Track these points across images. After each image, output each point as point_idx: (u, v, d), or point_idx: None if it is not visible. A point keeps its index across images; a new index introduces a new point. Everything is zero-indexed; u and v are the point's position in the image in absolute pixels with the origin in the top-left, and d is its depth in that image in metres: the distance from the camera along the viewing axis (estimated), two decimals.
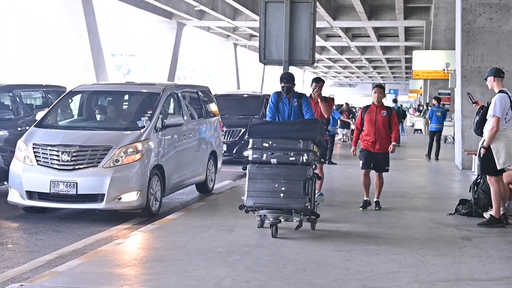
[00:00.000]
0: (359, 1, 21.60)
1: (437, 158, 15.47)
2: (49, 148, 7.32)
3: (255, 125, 6.28)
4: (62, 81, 16.43)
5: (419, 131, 29.28)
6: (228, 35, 35.04)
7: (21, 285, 4.59)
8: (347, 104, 22.45)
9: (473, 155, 11.48)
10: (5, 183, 8.41)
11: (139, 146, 7.45)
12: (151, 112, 8.07)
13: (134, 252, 5.67)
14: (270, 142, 6.06)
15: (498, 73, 6.90)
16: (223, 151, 10.69)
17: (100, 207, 7.23)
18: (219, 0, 24.55)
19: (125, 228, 7.08)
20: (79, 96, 8.85)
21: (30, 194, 7.32)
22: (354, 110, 24.53)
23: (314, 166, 6.10)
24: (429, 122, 16.38)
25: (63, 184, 7.12)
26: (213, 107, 10.27)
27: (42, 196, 7.27)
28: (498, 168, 6.75)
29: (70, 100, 8.90)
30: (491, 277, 4.94)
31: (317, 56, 37.41)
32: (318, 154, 6.24)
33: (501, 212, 6.88)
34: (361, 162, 7.84)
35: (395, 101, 24.11)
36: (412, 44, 33.83)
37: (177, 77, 33.84)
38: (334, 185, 10.27)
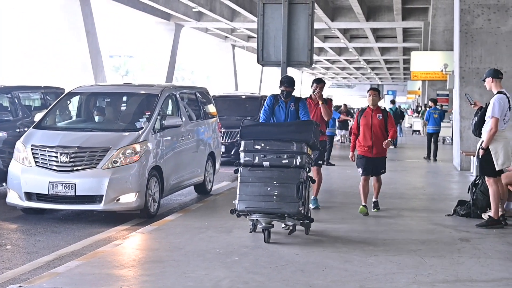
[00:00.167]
0: (357, 2, 21.62)
1: (435, 159, 15.49)
2: (47, 149, 7.32)
3: (247, 127, 6.10)
4: (62, 81, 16.45)
5: (417, 132, 29.32)
6: (226, 36, 35.05)
7: (20, 286, 4.60)
8: (345, 105, 22.48)
9: (472, 156, 11.49)
10: (4, 184, 8.41)
11: (138, 147, 7.45)
12: (149, 113, 8.07)
13: (133, 253, 5.67)
14: (263, 145, 5.90)
15: (496, 74, 6.90)
16: (221, 152, 10.70)
17: (99, 208, 7.24)
18: (217, 1, 24.55)
19: (124, 229, 7.08)
20: (77, 98, 8.85)
21: (29, 196, 7.32)
22: (352, 111, 24.55)
23: (307, 169, 5.95)
24: (427, 124, 16.37)
25: (62, 185, 7.12)
26: (211, 108, 10.28)
27: (40, 197, 7.27)
28: (497, 169, 6.76)
29: (68, 102, 8.90)
30: (490, 278, 4.95)
31: (315, 57, 37.40)
32: (312, 156, 6.10)
33: (500, 213, 6.88)
34: (359, 169, 7.67)
35: (393, 102, 24.11)
36: (410, 45, 33.89)
37: (175, 78, 33.80)
38: (333, 186, 10.28)
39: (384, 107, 33.93)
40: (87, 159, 7.23)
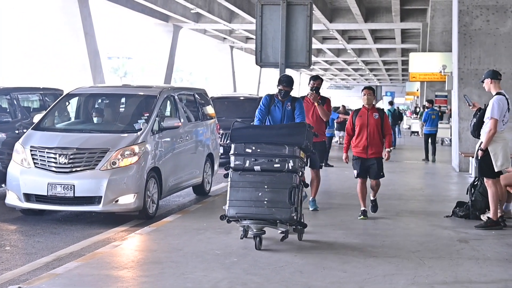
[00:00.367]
0: (355, 4, 21.63)
1: (434, 160, 15.49)
2: (46, 150, 7.32)
3: (237, 129, 5.84)
4: (61, 81, 16.44)
5: (415, 133, 29.34)
6: (225, 38, 35.06)
7: (19, 287, 4.60)
8: (343, 106, 22.48)
9: (470, 157, 11.49)
10: (3, 185, 8.41)
11: (136, 148, 7.45)
12: (148, 114, 8.07)
13: (132, 254, 5.67)
14: (254, 148, 5.67)
15: (495, 75, 6.89)
16: (219, 154, 10.70)
17: (98, 210, 7.24)
18: (215, 2, 24.55)
19: (122, 230, 7.08)
20: (76, 99, 8.85)
21: (28, 197, 7.32)
22: (350, 112, 24.50)
23: (300, 173, 5.74)
24: (424, 125, 16.33)
25: (61, 186, 7.12)
26: (210, 109, 10.28)
27: (39, 198, 7.27)
28: (496, 170, 6.75)
29: (67, 103, 8.91)
30: (489, 279, 4.95)
31: (313, 58, 37.44)
32: (305, 160, 5.86)
33: (499, 215, 6.88)
34: (355, 171, 7.41)
35: (391, 103, 24.12)
36: (408, 46, 33.92)
37: (173, 79, 33.81)
38: (331, 188, 10.28)
39: (382, 109, 34.10)
40: (85, 160, 7.23)
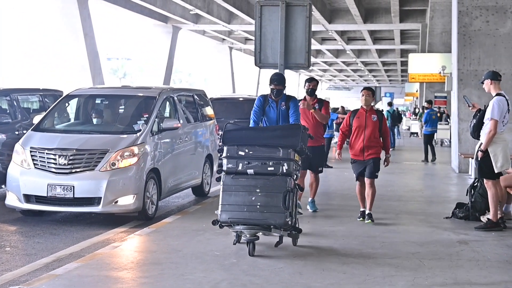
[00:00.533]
0: (354, 4, 21.64)
1: (434, 160, 15.47)
2: (46, 151, 7.33)
3: (229, 131, 5.63)
4: (61, 81, 16.43)
5: (415, 134, 29.35)
6: (224, 39, 35.06)
7: (19, 287, 4.60)
8: (342, 107, 22.48)
9: (470, 159, 11.49)
10: (3, 186, 8.42)
11: (136, 149, 7.45)
12: (147, 115, 8.07)
13: (131, 255, 5.67)
14: (247, 150, 5.46)
15: (495, 76, 6.88)
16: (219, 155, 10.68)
17: (97, 211, 7.24)
18: (214, 3, 24.56)
19: (122, 231, 7.08)
20: (75, 100, 8.87)
21: (28, 198, 7.33)
22: (348, 113, 24.49)
23: (295, 176, 5.55)
24: (425, 125, 16.27)
25: (60, 187, 7.13)
26: (209, 110, 10.29)
27: (39, 199, 7.28)
28: (496, 171, 6.74)
29: (66, 104, 8.92)
30: (489, 281, 4.94)
31: (312, 59, 37.36)
32: (299, 163, 5.67)
33: (499, 216, 6.87)
34: (355, 175, 7.36)
35: (390, 104, 24.14)
36: (408, 47, 33.93)
37: (172, 80, 33.81)
38: (330, 189, 10.28)
39: (382, 109, 33.92)
40: (85, 161, 7.23)
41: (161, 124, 8.04)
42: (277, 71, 9.18)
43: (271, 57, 9.16)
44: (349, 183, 10.61)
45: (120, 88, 9.60)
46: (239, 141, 5.56)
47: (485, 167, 6.78)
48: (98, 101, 8.96)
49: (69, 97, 8.82)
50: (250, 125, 6.64)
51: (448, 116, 22.68)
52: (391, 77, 63.21)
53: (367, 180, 7.23)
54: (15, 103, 9.50)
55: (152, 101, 8.27)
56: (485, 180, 6.92)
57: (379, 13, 25.67)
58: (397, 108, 31.09)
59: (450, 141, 19.25)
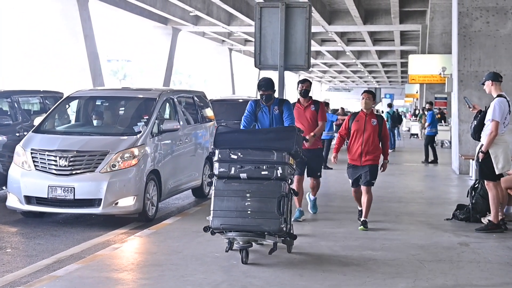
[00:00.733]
0: (354, 6, 21.64)
1: (436, 161, 15.42)
2: (47, 153, 7.34)
3: (221, 134, 5.41)
4: (61, 82, 16.43)
5: (415, 136, 29.35)
6: (223, 40, 35.07)
7: None
8: (342, 108, 22.50)
9: (471, 160, 11.48)
10: (4, 188, 8.44)
11: (136, 151, 7.46)
12: (147, 117, 8.08)
13: (131, 257, 5.67)
14: (239, 154, 5.25)
15: (496, 77, 6.87)
16: None
17: (97, 212, 7.25)
18: (214, 5, 24.56)
19: (122, 232, 7.08)
20: (76, 102, 8.89)
21: (28, 199, 7.34)
22: (348, 115, 24.47)
23: (290, 181, 5.33)
24: (429, 126, 16.11)
25: (61, 189, 7.14)
26: (209, 112, 10.29)
27: (40, 201, 7.30)
28: (497, 173, 6.73)
29: (67, 106, 8.93)
30: (490, 283, 4.94)
31: (312, 60, 37.43)
32: (294, 167, 5.46)
33: (500, 217, 6.86)
34: (350, 180, 7.12)
35: (390, 105, 24.15)
36: (408, 48, 33.93)
37: (172, 82, 33.79)
38: (330, 190, 10.28)
39: (382, 111, 33.73)
40: (85, 163, 7.24)
41: (161, 125, 8.05)
42: (277, 72, 9.19)
43: (271, 58, 9.16)
44: (349, 184, 10.58)
45: (120, 90, 9.61)
46: (232, 144, 5.35)
47: (486, 168, 6.77)
48: (98, 102, 8.97)
49: (70, 98, 8.83)
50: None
51: (445, 117, 22.68)
52: (391, 78, 63.22)
53: (363, 188, 7.00)
54: (16, 105, 9.53)
55: (152, 103, 8.28)
56: (486, 182, 6.91)
57: (379, 14, 25.68)
58: (397, 110, 31.07)
59: (450, 143, 19.24)
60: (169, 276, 4.94)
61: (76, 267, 5.21)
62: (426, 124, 16.01)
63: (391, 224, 7.30)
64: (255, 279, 4.89)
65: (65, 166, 7.21)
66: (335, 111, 21.71)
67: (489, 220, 6.94)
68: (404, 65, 41.14)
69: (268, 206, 5.14)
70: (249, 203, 5.16)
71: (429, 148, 15.77)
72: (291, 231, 5.55)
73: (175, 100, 8.92)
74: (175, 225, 7.04)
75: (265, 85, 6.28)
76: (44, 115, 8.57)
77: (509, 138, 7.04)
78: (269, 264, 5.32)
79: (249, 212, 5.14)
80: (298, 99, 7.43)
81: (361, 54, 41.32)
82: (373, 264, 5.40)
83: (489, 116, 6.71)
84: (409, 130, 32.44)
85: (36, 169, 7.33)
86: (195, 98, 9.88)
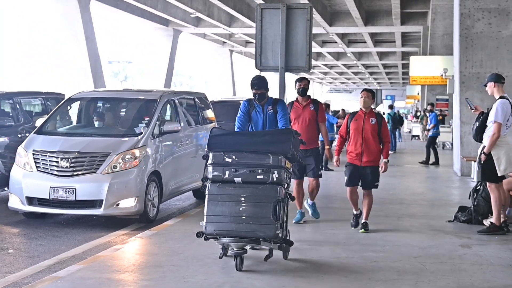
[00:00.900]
0: (355, 7, 21.63)
1: (438, 163, 15.37)
2: (48, 154, 7.35)
3: (215, 137, 5.25)
4: (62, 85, 16.44)
5: (416, 137, 29.31)
6: (224, 42, 35.08)
7: None
8: (343, 110, 22.48)
9: (472, 162, 11.46)
10: (6, 189, 8.46)
11: (137, 152, 7.46)
12: (148, 118, 8.09)
13: (133, 258, 5.67)
14: (234, 157, 5.06)
15: (498, 79, 6.86)
16: None
17: (99, 213, 7.25)
18: (215, 7, 24.57)
19: (123, 234, 7.08)
20: (77, 103, 8.90)
21: (30, 200, 7.36)
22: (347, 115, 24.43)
23: (286, 185, 5.14)
24: (433, 127, 16.04)
25: (62, 190, 7.14)
26: (210, 113, 10.29)
27: (42, 202, 7.31)
28: (499, 174, 6.71)
29: (68, 107, 8.95)
30: (492, 285, 4.92)
31: (313, 62, 37.45)
32: (291, 170, 5.28)
33: (502, 220, 6.85)
34: (346, 178, 6.87)
35: (391, 107, 24.11)
36: (409, 50, 33.91)
37: (173, 83, 33.83)
38: (331, 192, 10.27)
39: (381, 112, 33.72)
40: (87, 164, 7.25)
41: (162, 127, 8.05)
42: (278, 74, 9.18)
43: (272, 60, 9.16)
44: None
45: (121, 91, 9.61)
46: (226, 147, 5.16)
47: (488, 170, 6.75)
48: (99, 104, 8.98)
49: (71, 100, 8.84)
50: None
51: (444, 119, 22.63)
52: (392, 79, 63.19)
53: (364, 190, 6.89)
54: (17, 106, 9.55)
55: (153, 104, 8.28)
56: (488, 183, 6.89)
57: (380, 16, 25.67)
58: (398, 111, 31.06)
59: (452, 144, 19.21)
60: (170, 277, 4.93)
61: (78, 268, 5.21)
62: (431, 125, 15.94)
63: (392, 226, 7.29)
64: (256, 280, 4.89)
65: (66, 167, 7.22)
66: (335, 113, 21.67)
67: (491, 222, 6.92)
68: (405, 66, 41.10)
69: (263, 211, 4.96)
70: (243, 208, 4.98)
71: (431, 149, 15.74)
72: (288, 237, 5.37)
73: (176, 101, 8.92)
74: (176, 227, 7.04)
75: (258, 83, 6.10)
76: (46, 117, 8.58)
77: None
78: (270, 266, 5.30)
79: (243, 217, 4.97)
80: (296, 98, 7.24)
81: (362, 56, 41.31)
82: (375, 265, 5.39)
83: (491, 117, 6.69)
84: (410, 132, 32.41)
85: (38, 170, 7.34)
86: (196, 100, 9.88)
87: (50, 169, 7.28)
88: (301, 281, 4.90)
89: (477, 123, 6.93)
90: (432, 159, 15.64)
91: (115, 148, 7.41)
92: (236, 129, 6.19)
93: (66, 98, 9.31)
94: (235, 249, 5.08)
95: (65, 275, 5.00)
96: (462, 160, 12.38)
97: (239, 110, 6.26)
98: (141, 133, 7.75)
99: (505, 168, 6.69)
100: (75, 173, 7.21)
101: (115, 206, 7.22)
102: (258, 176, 5.04)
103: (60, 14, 19.40)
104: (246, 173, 5.06)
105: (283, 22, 8.99)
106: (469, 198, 7.62)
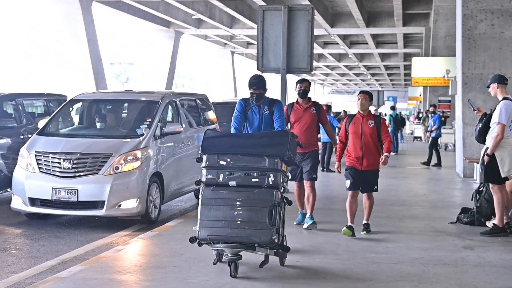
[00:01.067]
0: (357, 8, 21.62)
1: (440, 165, 15.34)
2: (51, 155, 7.36)
3: (209, 139, 5.08)
4: (64, 87, 16.46)
5: (418, 139, 29.28)
6: (226, 43, 35.10)
7: None
8: (345, 111, 22.46)
9: (475, 163, 11.44)
10: (8, 190, 8.48)
11: (139, 153, 7.46)
12: (150, 120, 8.09)
13: (134, 259, 5.67)
14: (228, 160, 4.92)
15: (501, 80, 6.83)
16: None
17: (101, 214, 7.26)
18: (216, 8, 24.59)
19: (125, 235, 7.09)
20: (79, 105, 8.92)
21: (33, 201, 7.37)
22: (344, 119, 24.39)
23: (282, 189, 4.99)
24: (437, 129, 15.98)
25: (65, 191, 7.16)
26: (211, 115, 10.29)
27: (44, 203, 7.32)
28: (502, 176, 6.68)
29: (71, 109, 8.96)
30: (495, 287, 4.91)
31: (314, 63, 37.41)
32: (287, 174, 5.13)
33: (505, 221, 6.82)
34: (348, 182, 6.66)
35: (393, 108, 24.06)
36: (411, 51, 33.89)
37: (174, 85, 33.82)
38: (333, 193, 10.25)
39: (385, 114, 33.52)
40: (89, 165, 7.26)
41: (163, 128, 8.05)
42: (280, 75, 9.16)
43: (273, 61, 9.16)
44: None
45: (123, 93, 9.62)
46: (220, 149, 5.01)
47: (491, 171, 6.71)
48: (101, 105, 8.99)
49: (73, 101, 8.86)
50: (231, 133, 6.09)
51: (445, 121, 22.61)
52: (394, 81, 63.15)
53: (365, 197, 6.81)
54: (20, 108, 9.57)
55: (155, 106, 8.29)
56: (491, 185, 6.87)
57: (382, 17, 25.65)
58: (400, 112, 31.00)
59: (454, 146, 19.17)
60: (171, 278, 4.93)
61: (80, 268, 5.22)
62: (435, 127, 15.89)
63: (394, 228, 7.27)
64: (258, 281, 4.88)
65: (68, 168, 7.23)
66: (337, 114, 21.65)
67: (494, 223, 6.90)
68: (408, 67, 41.08)
69: (258, 215, 4.80)
70: (238, 212, 4.83)
71: (433, 151, 15.71)
72: (284, 243, 5.18)
73: (178, 103, 8.92)
74: (177, 228, 7.03)
75: (257, 83, 5.97)
76: (48, 118, 8.59)
77: None
78: (272, 267, 5.28)
79: (238, 222, 4.82)
80: (297, 100, 7.07)
81: (364, 57, 41.30)
82: (376, 267, 5.38)
83: (495, 119, 6.67)
84: (412, 133, 32.38)
85: (40, 171, 7.35)
86: (198, 101, 9.88)
87: (53, 170, 7.29)
88: (302, 282, 4.88)
89: (480, 124, 6.91)
90: (434, 160, 15.60)
91: (117, 149, 7.41)
92: (232, 129, 6.07)
93: (68, 99, 9.32)
94: (229, 255, 4.90)
95: (67, 275, 5.01)
96: (465, 162, 12.36)
97: (235, 110, 6.14)
98: (143, 134, 7.75)
99: (508, 170, 6.67)
100: (77, 174, 7.22)
101: (117, 207, 7.23)
102: (253, 180, 4.89)
103: (62, 15, 19.43)
104: (241, 176, 4.91)
105: (284, 23, 8.99)
106: (471, 200, 7.60)
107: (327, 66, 48.06)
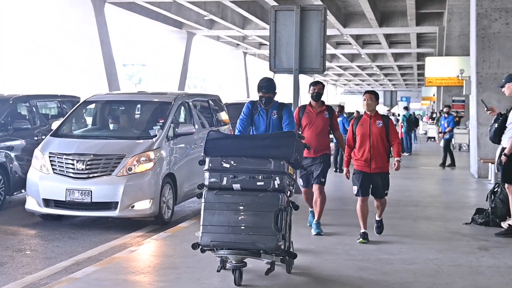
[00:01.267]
0: (370, 8, 21.53)
1: (454, 166, 15.20)
2: (64, 157, 7.41)
3: (212, 140, 4.86)
4: (77, 88, 16.58)
5: (432, 139, 29.08)
6: (238, 44, 35.14)
7: None
8: (357, 112, 22.34)
9: (490, 163, 11.33)
10: (23, 191, 8.55)
11: (152, 154, 7.49)
12: (163, 121, 8.12)
13: (148, 260, 5.69)
14: (232, 162, 4.70)
15: None
16: None
17: (114, 215, 7.29)
18: (228, 9, 24.63)
19: (139, 235, 7.12)
20: (92, 106, 8.97)
21: (47, 202, 7.42)
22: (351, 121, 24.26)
23: (289, 192, 4.76)
24: (450, 130, 15.82)
25: (78, 192, 7.20)
26: (224, 115, 10.30)
27: (58, 204, 7.37)
28: None
29: (84, 110, 9.02)
30: None
31: (327, 64, 37.26)
32: (294, 177, 4.90)
33: None
34: (355, 187, 6.38)
35: (406, 108, 23.93)
36: (424, 51, 33.67)
37: (187, 86, 33.91)
38: (346, 194, 10.20)
39: (398, 114, 33.32)
40: (102, 166, 7.29)
41: (176, 129, 8.08)
42: (292, 76, 9.17)
43: (286, 62, 9.16)
44: None
45: (136, 94, 9.67)
46: (224, 151, 4.78)
47: (509, 172, 6.64)
48: (114, 107, 9.04)
49: (86, 103, 8.92)
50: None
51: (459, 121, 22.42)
52: (407, 81, 62.79)
53: (376, 201, 6.57)
54: (34, 109, 9.66)
55: (168, 107, 8.31)
56: (506, 185, 6.79)
57: (395, 17, 25.52)
58: (414, 113, 30.82)
59: (468, 146, 19.01)
60: (185, 279, 4.94)
61: (94, 269, 5.25)
62: (448, 128, 15.73)
63: (408, 228, 7.24)
64: (272, 282, 4.87)
65: (82, 169, 7.27)
66: (350, 115, 21.56)
67: (509, 224, 6.84)
68: (421, 67, 40.83)
69: (264, 220, 4.57)
70: (242, 217, 4.60)
71: (447, 151, 15.57)
72: (291, 249, 4.98)
73: (190, 103, 8.94)
74: (190, 228, 7.04)
75: (266, 86, 5.71)
76: (62, 119, 8.66)
77: None
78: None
79: (242, 227, 4.58)
80: (310, 103, 6.86)
81: (376, 57, 41.11)
82: (390, 268, 5.35)
83: (511, 119, 6.60)
84: (426, 134, 32.17)
85: (54, 172, 7.40)
86: (210, 102, 9.90)
87: (66, 171, 7.34)
88: (316, 284, 4.88)
89: (496, 124, 6.82)
90: (448, 161, 15.48)
91: (130, 150, 7.44)
92: (237, 131, 5.83)
93: (81, 101, 9.39)
94: (233, 262, 4.69)
95: (81, 276, 5.04)
96: (479, 162, 12.24)
97: (242, 112, 5.86)
98: (156, 135, 7.78)
99: None
100: (91, 175, 7.26)
101: (130, 208, 7.26)
102: (258, 183, 4.67)
103: (75, 18, 19.58)
104: (245, 179, 4.68)
105: (297, 23, 8.98)
106: (486, 200, 7.54)
107: (339, 67, 47.92)
